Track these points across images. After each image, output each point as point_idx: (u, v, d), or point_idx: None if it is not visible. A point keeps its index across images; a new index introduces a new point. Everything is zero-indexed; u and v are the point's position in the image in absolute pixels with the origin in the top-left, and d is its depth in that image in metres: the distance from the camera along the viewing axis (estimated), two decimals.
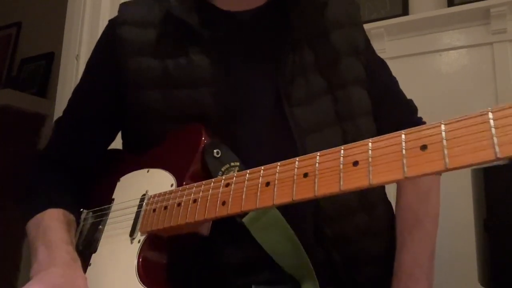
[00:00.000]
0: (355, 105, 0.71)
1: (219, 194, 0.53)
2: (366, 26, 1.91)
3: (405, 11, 1.84)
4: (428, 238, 0.70)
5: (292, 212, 0.66)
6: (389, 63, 0.83)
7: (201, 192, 0.56)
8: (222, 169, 0.61)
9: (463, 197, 1.32)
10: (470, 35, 1.72)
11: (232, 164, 0.62)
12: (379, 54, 0.84)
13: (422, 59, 1.79)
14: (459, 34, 1.74)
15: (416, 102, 0.81)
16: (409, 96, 0.82)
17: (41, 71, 2.70)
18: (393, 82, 0.82)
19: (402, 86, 0.82)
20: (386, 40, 1.83)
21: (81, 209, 0.74)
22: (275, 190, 0.47)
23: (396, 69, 0.85)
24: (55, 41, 2.07)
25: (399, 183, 0.76)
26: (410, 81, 1.72)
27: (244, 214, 0.59)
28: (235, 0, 0.74)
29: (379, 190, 0.73)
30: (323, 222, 0.66)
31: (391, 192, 0.76)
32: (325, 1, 0.74)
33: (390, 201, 0.76)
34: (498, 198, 1.11)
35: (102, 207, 0.72)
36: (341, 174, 0.42)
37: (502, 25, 1.63)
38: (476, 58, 1.70)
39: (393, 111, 0.77)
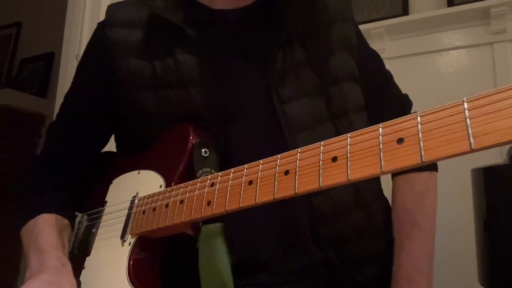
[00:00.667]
0: (348, 101, 0.70)
1: (205, 194, 0.53)
2: (366, 26, 1.91)
3: (405, 11, 1.83)
4: (426, 239, 0.69)
5: (287, 211, 0.66)
6: (389, 63, 0.83)
7: (187, 193, 0.56)
8: (204, 169, 0.61)
9: (463, 197, 1.32)
10: (470, 35, 1.71)
11: (212, 171, 0.62)
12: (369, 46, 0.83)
13: (422, 59, 1.79)
14: (459, 34, 1.73)
15: (416, 102, 0.81)
16: (409, 95, 0.81)
17: (41, 71, 2.71)
18: (387, 76, 0.81)
19: (402, 86, 0.82)
20: (386, 40, 1.83)
21: (76, 213, 0.74)
22: (258, 188, 0.47)
23: (396, 69, 0.85)
24: (55, 41, 2.07)
25: (394, 182, 0.75)
26: (410, 81, 1.72)
27: (210, 221, 0.57)
28: None
29: (375, 186, 0.72)
30: (318, 221, 0.65)
31: (389, 191, 0.76)
32: None
33: (387, 197, 0.75)
34: (498, 198, 1.11)
35: (96, 210, 0.72)
36: (320, 171, 0.42)
37: (502, 25, 1.63)
38: (476, 58, 1.70)
39: (386, 106, 0.76)
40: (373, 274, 0.68)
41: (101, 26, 0.76)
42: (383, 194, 0.74)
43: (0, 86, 2.64)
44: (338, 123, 0.69)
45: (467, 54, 1.72)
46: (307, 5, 0.73)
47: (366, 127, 0.70)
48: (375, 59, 0.81)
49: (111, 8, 0.76)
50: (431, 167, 0.74)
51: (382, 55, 0.84)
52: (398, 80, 0.82)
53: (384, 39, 1.82)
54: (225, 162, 0.63)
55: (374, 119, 0.72)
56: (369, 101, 0.73)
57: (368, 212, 0.68)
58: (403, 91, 0.81)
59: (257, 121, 0.69)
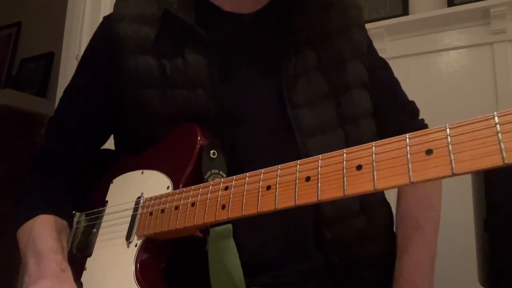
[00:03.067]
0: (357, 108, 0.70)
1: (218, 198, 0.52)
2: (366, 26, 1.91)
3: (405, 11, 1.83)
4: (429, 243, 0.70)
5: (292, 214, 0.66)
6: (389, 63, 0.83)
7: (199, 195, 0.55)
8: (212, 171, 0.61)
9: (463, 197, 1.32)
10: (470, 35, 1.71)
11: (221, 173, 0.61)
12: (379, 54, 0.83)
13: (422, 59, 1.79)
14: (459, 34, 1.73)
15: (416, 102, 0.81)
16: (409, 96, 0.81)
17: (41, 71, 2.70)
18: (395, 84, 0.81)
19: (402, 86, 0.82)
20: (386, 40, 1.83)
21: (74, 212, 0.72)
22: (277, 194, 0.46)
23: (396, 69, 0.85)
24: (55, 41, 2.07)
25: (399, 187, 0.76)
26: (410, 81, 1.72)
27: (218, 224, 0.56)
28: (237, 1, 0.73)
29: (379, 193, 0.72)
30: (323, 225, 0.66)
31: (391, 195, 0.76)
32: (328, 3, 0.73)
33: (390, 203, 0.76)
34: (498, 198, 1.11)
35: (96, 209, 0.70)
36: (345, 179, 0.41)
37: (502, 25, 1.63)
38: (476, 58, 1.70)
39: (394, 113, 0.76)
40: (374, 277, 0.68)
41: (108, 20, 0.74)
42: (386, 200, 0.74)
43: (0, 86, 2.65)
44: (347, 129, 0.69)
45: (467, 54, 1.72)
46: (319, 11, 0.73)
47: (374, 133, 0.71)
48: (384, 67, 0.81)
49: (119, 2, 0.74)
50: None
51: (382, 55, 0.84)
52: (398, 80, 0.82)
53: (384, 39, 1.82)
54: (231, 164, 0.63)
55: (383, 126, 0.73)
56: (378, 108, 0.74)
57: (372, 217, 0.69)
58: (404, 91, 0.81)
59: (265, 124, 0.68)
